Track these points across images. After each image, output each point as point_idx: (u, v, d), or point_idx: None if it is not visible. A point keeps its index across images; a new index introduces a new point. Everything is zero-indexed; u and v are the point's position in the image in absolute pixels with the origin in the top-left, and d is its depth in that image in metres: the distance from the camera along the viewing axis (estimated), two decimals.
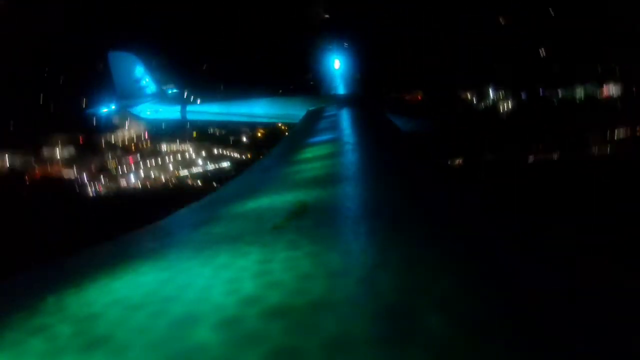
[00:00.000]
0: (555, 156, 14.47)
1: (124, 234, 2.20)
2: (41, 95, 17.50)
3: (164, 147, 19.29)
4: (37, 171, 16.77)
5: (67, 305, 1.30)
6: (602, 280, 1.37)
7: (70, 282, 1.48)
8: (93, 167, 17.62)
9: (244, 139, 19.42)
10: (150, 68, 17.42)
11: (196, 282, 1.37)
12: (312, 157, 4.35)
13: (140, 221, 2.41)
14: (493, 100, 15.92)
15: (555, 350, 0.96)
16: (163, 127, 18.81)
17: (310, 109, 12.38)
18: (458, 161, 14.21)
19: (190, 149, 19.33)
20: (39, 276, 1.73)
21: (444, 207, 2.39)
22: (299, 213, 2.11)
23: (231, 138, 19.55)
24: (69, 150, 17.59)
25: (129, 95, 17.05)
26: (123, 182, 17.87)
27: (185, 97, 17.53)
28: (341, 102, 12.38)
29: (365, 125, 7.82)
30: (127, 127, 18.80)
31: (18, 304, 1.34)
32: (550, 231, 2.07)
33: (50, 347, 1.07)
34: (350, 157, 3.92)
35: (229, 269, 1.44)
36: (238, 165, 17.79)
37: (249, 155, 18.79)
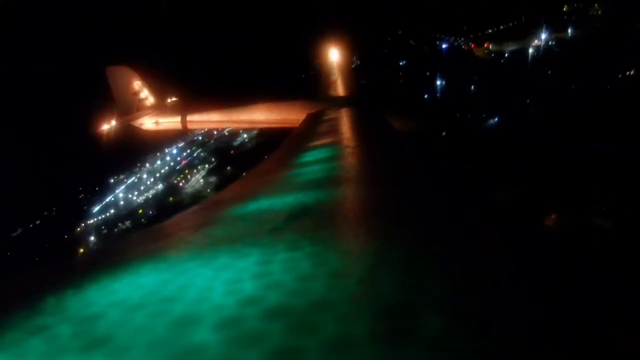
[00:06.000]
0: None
1: (124, 235, 2.19)
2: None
3: None
4: None
5: (67, 306, 1.30)
6: (599, 279, 1.38)
7: (70, 283, 1.48)
8: None
9: None
10: (149, 80, 17.48)
11: (196, 283, 1.37)
12: (312, 160, 4.34)
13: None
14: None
15: (554, 349, 0.96)
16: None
17: (310, 112, 12.40)
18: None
19: None
20: (39, 276, 1.73)
21: (442, 209, 2.38)
22: (299, 215, 2.11)
23: None
24: None
25: (129, 109, 17.10)
26: None
27: (185, 106, 17.53)
28: (340, 104, 12.38)
29: (364, 128, 7.82)
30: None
31: (18, 304, 1.34)
32: (547, 232, 2.07)
33: (50, 347, 1.07)
34: (349, 160, 3.92)
35: (229, 270, 1.44)
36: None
37: None
